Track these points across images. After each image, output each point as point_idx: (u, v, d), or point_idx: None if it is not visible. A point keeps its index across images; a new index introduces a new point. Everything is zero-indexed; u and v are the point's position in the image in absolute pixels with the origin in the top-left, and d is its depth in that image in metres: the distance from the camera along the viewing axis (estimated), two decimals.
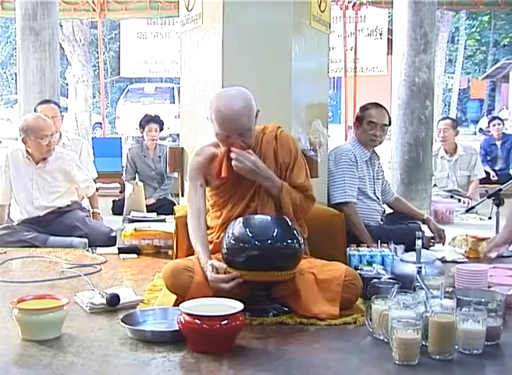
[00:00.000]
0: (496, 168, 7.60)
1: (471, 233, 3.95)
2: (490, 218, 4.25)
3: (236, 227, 2.52)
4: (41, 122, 4.15)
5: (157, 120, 6.36)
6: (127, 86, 19.60)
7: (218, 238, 2.72)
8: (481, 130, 8.59)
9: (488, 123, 8.37)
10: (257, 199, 2.74)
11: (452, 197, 6.20)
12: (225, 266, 2.50)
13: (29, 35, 6.13)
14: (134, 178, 6.20)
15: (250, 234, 2.46)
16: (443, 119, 6.67)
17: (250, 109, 2.65)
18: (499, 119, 8.23)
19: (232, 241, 2.49)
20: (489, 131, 8.40)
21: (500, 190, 4.10)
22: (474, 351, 2.13)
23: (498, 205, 4.00)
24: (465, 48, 23.97)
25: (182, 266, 2.57)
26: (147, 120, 6.34)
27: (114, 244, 3.91)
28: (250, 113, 2.65)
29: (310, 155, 3.34)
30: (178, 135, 7.42)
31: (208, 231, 2.84)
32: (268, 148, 2.77)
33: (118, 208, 5.53)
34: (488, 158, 7.74)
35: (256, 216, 2.61)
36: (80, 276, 3.17)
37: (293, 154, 2.81)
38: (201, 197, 2.77)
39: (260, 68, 3.27)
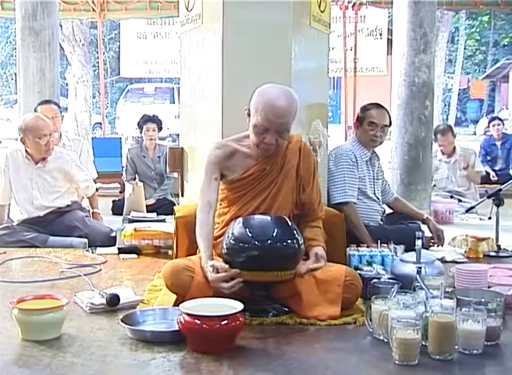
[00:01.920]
0: (496, 168, 7.61)
1: (470, 233, 3.95)
2: (490, 218, 4.25)
3: (236, 227, 2.52)
4: (40, 122, 4.15)
5: (155, 120, 6.35)
6: (127, 86, 19.60)
7: (221, 236, 2.67)
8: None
9: (488, 123, 8.37)
10: (269, 202, 2.73)
11: (452, 197, 6.21)
12: (226, 266, 2.48)
13: (29, 35, 6.13)
14: (134, 178, 6.20)
15: (250, 234, 2.46)
16: (442, 132, 6.31)
17: (296, 111, 2.66)
18: (499, 119, 8.23)
19: (232, 241, 2.49)
20: (489, 131, 8.39)
21: (500, 190, 4.10)
22: (474, 351, 2.14)
23: (498, 205, 4.00)
24: (465, 48, 23.96)
25: (182, 265, 2.56)
26: (145, 120, 6.33)
27: (114, 245, 3.91)
28: (295, 115, 2.66)
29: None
30: (178, 135, 7.42)
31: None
32: (293, 158, 2.77)
33: (118, 209, 5.53)
34: (489, 158, 7.74)
35: (256, 216, 2.61)
36: (79, 276, 3.17)
37: (312, 170, 2.83)
38: (214, 191, 2.74)
39: (260, 68, 3.27)
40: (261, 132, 2.63)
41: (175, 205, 4.64)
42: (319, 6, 3.63)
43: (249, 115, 2.69)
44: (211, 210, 2.71)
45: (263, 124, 2.61)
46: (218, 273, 2.47)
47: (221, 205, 2.83)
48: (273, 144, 2.65)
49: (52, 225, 4.18)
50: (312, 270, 2.58)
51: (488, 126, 8.27)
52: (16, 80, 9.87)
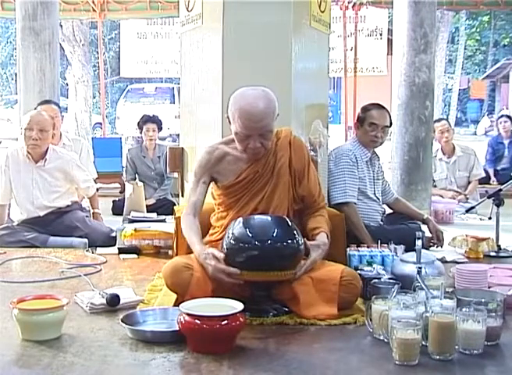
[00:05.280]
0: (499, 168, 7.53)
1: (471, 233, 3.94)
2: (490, 218, 4.24)
3: (236, 227, 2.51)
4: (40, 116, 4.19)
5: (154, 120, 6.35)
6: (127, 86, 19.60)
7: (221, 240, 2.67)
8: None
9: (496, 120, 8.32)
10: (266, 202, 2.73)
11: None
12: (223, 255, 2.48)
13: (29, 35, 6.14)
14: (134, 179, 6.20)
15: (250, 234, 2.46)
16: (439, 120, 6.52)
17: (274, 111, 2.63)
18: (508, 116, 8.10)
19: (232, 241, 2.49)
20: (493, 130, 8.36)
21: (500, 190, 4.09)
22: (474, 352, 2.13)
23: (498, 206, 3.99)
24: (465, 48, 23.95)
25: (182, 263, 2.56)
26: (145, 120, 6.33)
27: (114, 245, 3.91)
28: (274, 115, 2.63)
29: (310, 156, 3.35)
30: (178, 135, 7.42)
31: (213, 230, 2.83)
32: (284, 153, 2.76)
33: (118, 209, 5.53)
34: (494, 157, 7.65)
35: (256, 216, 2.61)
36: (80, 276, 3.17)
37: (305, 161, 2.81)
38: (201, 193, 2.77)
39: (260, 68, 3.27)
40: (243, 139, 2.63)
41: (175, 205, 4.65)
42: (319, 6, 3.64)
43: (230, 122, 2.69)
44: (197, 213, 2.75)
45: (243, 132, 2.60)
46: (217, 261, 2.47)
47: (219, 209, 2.84)
48: (259, 148, 2.65)
49: (52, 225, 4.18)
50: (311, 269, 2.58)
51: (496, 124, 8.19)
52: (16, 80, 9.88)
